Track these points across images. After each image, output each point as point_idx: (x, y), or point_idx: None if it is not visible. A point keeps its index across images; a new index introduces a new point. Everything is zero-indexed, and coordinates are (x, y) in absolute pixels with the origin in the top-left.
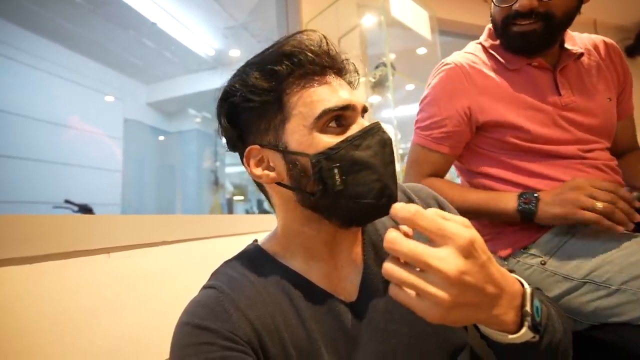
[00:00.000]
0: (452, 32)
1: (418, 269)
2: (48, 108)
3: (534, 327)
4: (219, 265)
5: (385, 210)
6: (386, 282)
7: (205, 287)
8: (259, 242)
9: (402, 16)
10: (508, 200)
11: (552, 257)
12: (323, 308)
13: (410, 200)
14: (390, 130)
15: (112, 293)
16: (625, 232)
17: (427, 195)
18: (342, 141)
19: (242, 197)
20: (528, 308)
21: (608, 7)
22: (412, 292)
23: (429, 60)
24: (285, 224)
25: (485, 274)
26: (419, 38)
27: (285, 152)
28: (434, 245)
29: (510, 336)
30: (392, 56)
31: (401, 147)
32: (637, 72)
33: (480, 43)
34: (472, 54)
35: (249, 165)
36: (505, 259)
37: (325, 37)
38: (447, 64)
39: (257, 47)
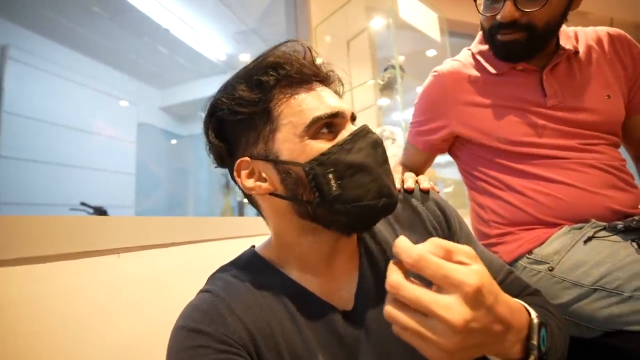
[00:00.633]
0: (461, 34)
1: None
2: (66, 113)
3: (539, 359)
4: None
5: (386, 210)
6: (382, 292)
7: (201, 292)
8: (256, 248)
9: (411, 18)
10: None
11: (559, 262)
12: (319, 316)
13: (407, 202)
14: (399, 133)
15: (122, 293)
16: (634, 240)
17: (433, 202)
18: (333, 146)
19: None
20: (534, 341)
21: (624, 5)
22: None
23: (438, 62)
24: (279, 234)
25: (492, 315)
26: (429, 40)
27: (277, 162)
28: (439, 290)
29: None
30: (401, 58)
31: None
32: None
33: (470, 50)
34: (460, 61)
35: (239, 177)
36: (511, 263)
37: (309, 48)
38: (434, 72)
39: None
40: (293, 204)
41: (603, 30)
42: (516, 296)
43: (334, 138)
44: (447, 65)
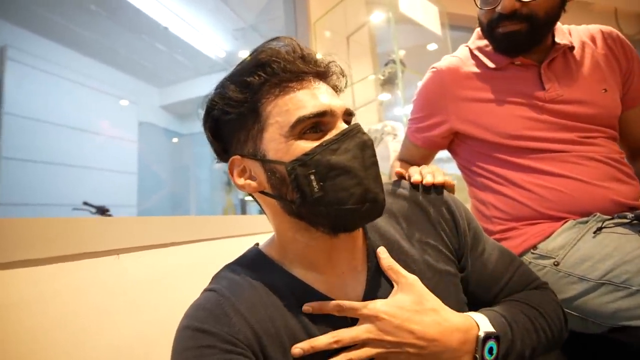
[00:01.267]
0: (463, 27)
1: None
2: (66, 113)
3: None
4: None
5: (370, 216)
6: (390, 289)
7: (205, 291)
8: (260, 246)
9: (411, 12)
10: None
11: (565, 257)
12: (326, 314)
13: (416, 201)
14: (400, 128)
15: (122, 294)
16: (634, 231)
17: (436, 196)
18: (317, 146)
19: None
20: (478, 355)
21: None
22: None
23: (440, 56)
24: (279, 231)
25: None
26: (430, 34)
27: (264, 161)
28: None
29: None
30: (402, 53)
31: None
32: None
33: (468, 46)
34: (459, 57)
35: (232, 175)
36: None
37: (298, 43)
38: (432, 69)
39: None
40: (280, 203)
41: (595, 28)
42: (519, 292)
43: (321, 137)
44: (446, 61)
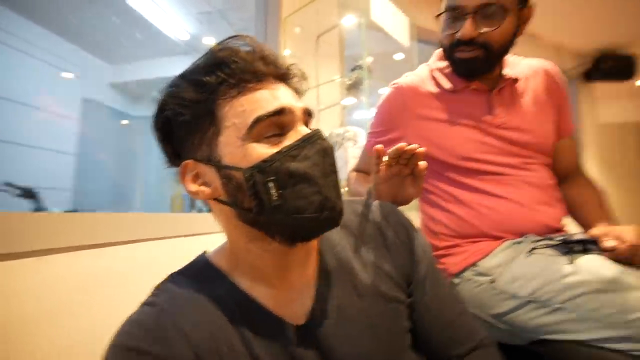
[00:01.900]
0: (430, 42)
1: None
2: None
3: None
4: (167, 270)
5: (328, 224)
6: (339, 307)
7: (144, 304)
8: (209, 255)
9: (382, 21)
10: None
11: (501, 275)
12: (269, 331)
13: (376, 223)
14: (361, 134)
15: (45, 300)
16: (565, 253)
17: (396, 221)
18: (277, 152)
19: None
20: None
21: (570, 34)
22: None
23: (405, 66)
24: (232, 240)
25: None
26: (397, 44)
27: (219, 167)
28: None
29: None
30: (369, 59)
31: None
32: (590, 95)
33: (428, 66)
34: (418, 76)
35: (184, 180)
36: (457, 275)
37: (259, 43)
38: (394, 84)
39: None
40: (236, 211)
41: (538, 64)
42: (462, 343)
43: (279, 142)
44: (407, 79)
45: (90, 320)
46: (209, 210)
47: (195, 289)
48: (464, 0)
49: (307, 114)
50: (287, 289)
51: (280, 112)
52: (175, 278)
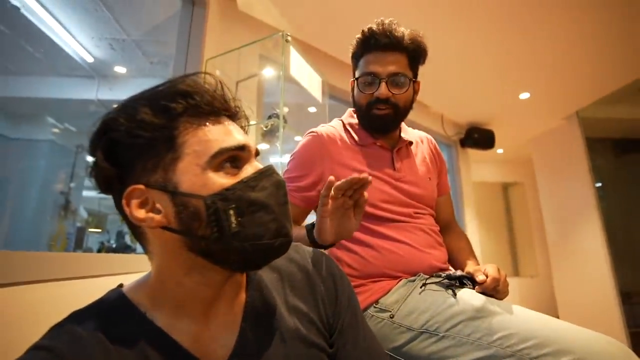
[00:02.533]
0: (340, 98)
1: None
2: None
3: None
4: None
5: (281, 251)
6: (261, 349)
7: (35, 348)
8: (124, 289)
9: (299, 76)
10: (303, 228)
11: (398, 310)
12: None
13: (305, 270)
14: None
15: None
16: (448, 287)
17: (326, 269)
18: (239, 182)
19: (99, 230)
20: None
21: (451, 107)
22: None
23: (317, 118)
24: (162, 272)
25: None
26: (311, 98)
27: (175, 194)
28: None
29: None
30: (286, 110)
31: None
32: (466, 158)
33: (341, 120)
34: (334, 127)
35: (128, 206)
36: (362, 311)
37: (221, 82)
38: (312, 132)
39: (148, 69)
40: (185, 239)
41: (423, 134)
42: None
43: (236, 174)
44: (324, 129)
45: None
46: (99, 251)
47: (101, 329)
48: (379, 68)
49: (257, 154)
50: (210, 328)
51: (241, 147)
52: (80, 316)
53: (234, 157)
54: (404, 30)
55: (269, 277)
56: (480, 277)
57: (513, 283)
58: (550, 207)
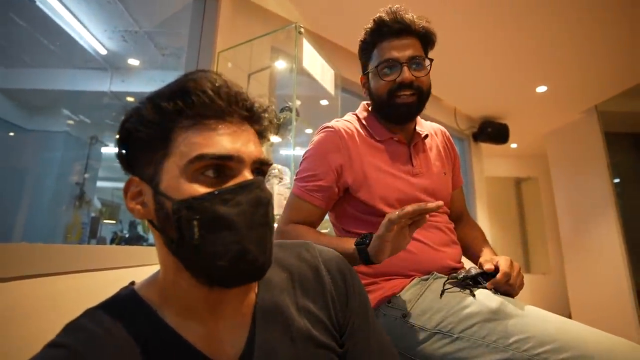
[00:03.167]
0: (353, 91)
1: None
2: None
3: None
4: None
5: (245, 278)
6: (271, 351)
7: (51, 345)
8: (136, 286)
9: (312, 69)
10: (349, 241)
11: (411, 309)
12: None
13: (315, 269)
14: (287, 172)
15: None
16: (463, 287)
17: (336, 269)
18: (210, 193)
19: (113, 221)
20: None
21: (464, 101)
22: None
23: (329, 111)
24: (162, 269)
25: None
26: (324, 90)
27: (156, 191)
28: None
29: None
30: (298, 102)
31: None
32: (478, 153)
33: (356, 114)
34: (350, 122)
35: (126, 195)
36: (374, 309)
37: (227, 82)
38: (327, 127)
39: (161, 61)
40: (163, 238)
41: (436, 126)
42: None
43: (218, 184)
44: (340, 123)
45: None
46: (112, 241)
47: (115, 327)
48: (397, 53)
49: (260, 163)
50: (219, 329)
51: (227, 158)
52: (95, 314)
53: (219, 166)
54: (412, 15)
55: (279, 277)
56: (487, 266)
57: (524, 280)
58: (564, 203)
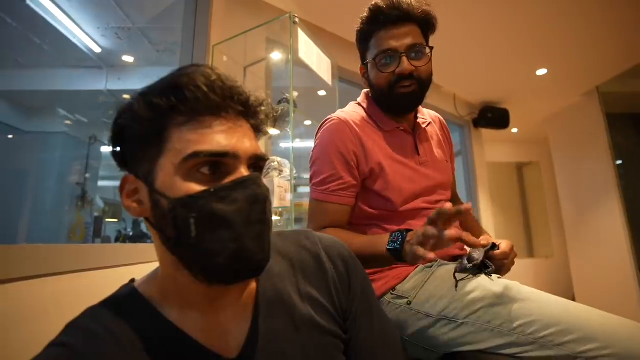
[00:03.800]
0: (351, 81)
1: None
2: None
3: None
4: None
5: (246, 274)
6: (274, 340)
7: (52, 345)
8: (136, 283)
9: (308, 59)
10: (381, 243)
11: (416, 297)
12: None
13: (316, 256)
14: (286, 165)
15: None
16: (463, 273)
17: (337, 255)
18: (206, 190)
19: (116, 219)
20: None
21: (464, 87)
22: None
23: (327, 101)
24: (161, 266)
25: None
26: (321, 81)
27: (152, 189)
28: None
29: None
30: (295, 94)
31: (295, 176)
32: (479, 139)
33: (359, 104)
34: (356, 112)
35: (122, 193)
36: (379, 298)
37: (222, 76)
38: (331, 119)
39: (155, 57)
40: (161, 236)
41: (434, 114)
42: None
43: (214, 181)
44: (345, 113)
45: None
46: (117, 240)
47: (115, 324)
48: (395, 43)
49: (257, 158)
50: (220, 321)
51: (221, 154)
52: (95, 312)
53: (215, 163)
54: (410, 0)
55: (279, 266)
56: (483, 241)
57: (527, 264)
58: (567, 186)
